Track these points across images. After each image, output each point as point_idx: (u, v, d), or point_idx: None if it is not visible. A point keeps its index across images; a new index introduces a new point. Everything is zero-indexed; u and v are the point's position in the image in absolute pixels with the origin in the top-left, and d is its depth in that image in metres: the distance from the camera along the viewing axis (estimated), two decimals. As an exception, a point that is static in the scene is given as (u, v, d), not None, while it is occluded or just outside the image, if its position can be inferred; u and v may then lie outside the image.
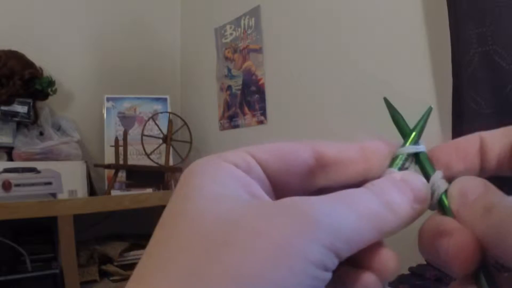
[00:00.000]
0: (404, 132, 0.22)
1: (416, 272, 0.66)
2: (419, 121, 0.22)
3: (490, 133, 0.21)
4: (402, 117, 0.23)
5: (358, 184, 0.20)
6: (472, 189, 0.19)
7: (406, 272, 0.69)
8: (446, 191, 0.20)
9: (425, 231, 0.19)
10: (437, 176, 0.20)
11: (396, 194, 0.19)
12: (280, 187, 0.20)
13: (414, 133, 0.21)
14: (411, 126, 0.22)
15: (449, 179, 0.20)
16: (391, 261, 0.19)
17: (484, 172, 0.21)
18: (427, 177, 0.20)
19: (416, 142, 0.21)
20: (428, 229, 0.19)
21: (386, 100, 0.23)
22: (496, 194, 0.18)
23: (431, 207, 0.20)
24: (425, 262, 0.66)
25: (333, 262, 0.16)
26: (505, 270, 0.17)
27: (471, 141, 0.21)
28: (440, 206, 0.20)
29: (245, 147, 0.20)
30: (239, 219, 0.16)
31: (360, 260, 0.19)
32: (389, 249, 0.19)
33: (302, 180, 0.21)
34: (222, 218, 0.16)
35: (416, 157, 0.21)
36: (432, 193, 0.20)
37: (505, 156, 0.20)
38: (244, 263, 0.14)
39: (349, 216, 0.17)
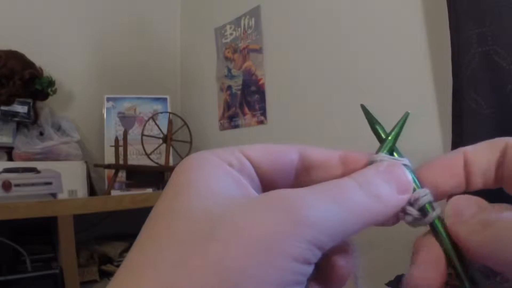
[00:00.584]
0: (380, 138, 0.22)
1: (416, 272, 0.66)
2: (395, 126, 0.22)
3: (473, 148, 0.21)
4: (379, 123, 0.23)
5: None
6: (466, 208, 0.19)
7: (406, 272, 0.69)
8: (431, 204, 0.20)
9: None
10: (423, 192, 0.20)
11: (381, 184, 0.19)
12: (269, 186, 0.21)
13: (389, 138, 0.22)
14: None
15: (438, 198, 0.21)
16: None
17: (470, 188, 0.21)
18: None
19: (391, 148, 0.21)
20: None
21: (363, 107, 0.23)
22: (490, 211, 0.19)
23: (414, 222, 0.20)
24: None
25: (316, 255, 0.16)
26: (493, 275, 0.18)
27: (455, 158, 0.21)
28: (431, 226, 0.20)
29: (237, 145, 0.21)
30: (225, 214, 0.16)
31: None
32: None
33: (289, 180, 0.21)
34: (209, 214, 0.16)
35: None
36: (416, 206, 0.20)
37: (490, 171, 0.21)
38: (227, 257, 0.15)
39: (333, 208, 0.17)
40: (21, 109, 1.26)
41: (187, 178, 0.18)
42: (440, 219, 0.20)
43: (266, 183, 0.21)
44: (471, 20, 0.76)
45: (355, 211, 0.17)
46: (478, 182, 0.21)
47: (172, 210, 0.17)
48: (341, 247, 0.20)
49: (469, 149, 0.21)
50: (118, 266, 1.26)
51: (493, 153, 0.20)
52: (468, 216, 0.19)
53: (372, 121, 0.23)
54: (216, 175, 0.18)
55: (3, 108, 1.23)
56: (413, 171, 0.21)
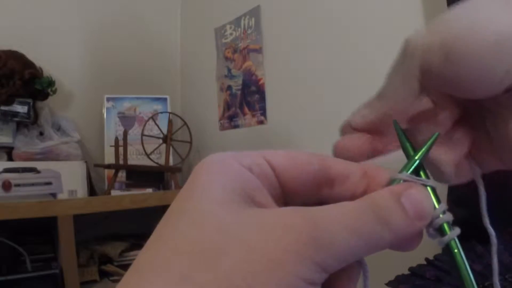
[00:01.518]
0: (408, 156, 0.22)
1: (416, 272, 0.66)
2: (423, 146, 0.21)
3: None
4: (410, 142, 0.22)
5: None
6: None
7: (406, 272, 0.69)
8: (449, 224, 0.20)
9: None
10: (441, 209, 0.20)
11: (395, 209, 0.18)
12: (290, 193, 0.21)
13: (415, 158, 0.21)
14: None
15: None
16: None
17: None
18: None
19: (415, 167, 0.21)
20: None
21: (395, 124, 0.22)
22: None
23: (431, 236, 0.20)
24: (425, 262, 0.66)
25: (322, 277, 0.16)
26: None
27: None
28: (447, 247, 0.20)
29: (261, 150, 0.20)
30: (237, 229, 0.16)
31: None
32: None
33: (311, 189, 0.21)
34: (222, 224, 0.16)
35: None
36: (433, 224, 0.20)
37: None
38: (237, 274, 0.15)
39: (343, 233, 0.17)
40: (21, 109, 1.26)
41: (204, 181, 0.18)
42: (457, 241, 0.19)
43: (288, 190, 0.21)
44: (471, 20, 0.76)
45: (364, 236, 0.17)
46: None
47: (185, 213, 0.17)
48: (348, 266, 0.19)
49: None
50: (118, 266, 1.27)
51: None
52: None
53: (403, 139, 0.22)
54: (234, 181, 0.18)
55: (3, 108, 1.23)
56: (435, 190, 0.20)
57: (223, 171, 0.18)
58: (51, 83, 1.34)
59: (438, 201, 0.20)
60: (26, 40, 1.38)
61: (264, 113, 1.38)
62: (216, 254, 0.15)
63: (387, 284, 0.64)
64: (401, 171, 0.20)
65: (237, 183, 0.18)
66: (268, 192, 0.19)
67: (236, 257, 0.15)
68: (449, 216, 0.20)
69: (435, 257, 0.64)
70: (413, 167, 0.20)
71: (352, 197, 0.20)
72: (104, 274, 1.24)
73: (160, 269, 0.15)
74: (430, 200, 0.19)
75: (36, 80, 1.30)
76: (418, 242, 0.20)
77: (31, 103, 1.29)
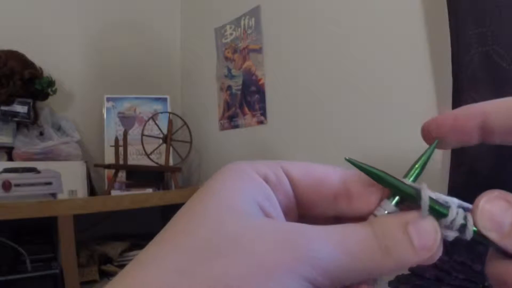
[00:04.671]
0: (374, 177, 0.20)
1: (416, 272, 0.66)
2: (422, 155, 0.21)
3: (494, 108, 0.19)
4: (376, 170, 0.20)
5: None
6: (503, 215, 0.18)
7: (406, 272, 0.69)
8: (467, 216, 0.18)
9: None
10: (452, 215, 0.18)
11: (400, 241, 0.18)
12: (305, 204, 0.21)
13: (416, 167, 0.20)
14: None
15: (440, 147, 0.20)
16: None
17: (483, 143, 0.20)
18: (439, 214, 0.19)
19: (418, 175, 0.20)
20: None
21: (350, 161, 0.21)
22: None
23: (449, 238, 0.19)
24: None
25: None
26: None
27: (471, 117, 0.20)
28: (474, 239, 0.18)
29: (281, 160, 0.21)
30: (240, 237, 0.17)
31: None
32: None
33: (327, 202, 0.21)
34: (221, 229, 0.17)
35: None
36: (451, 227, 0.18)
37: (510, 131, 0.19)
38: (233, 276, 0.16)
39: (339, 255, 0.17)
40: (21, 109, 1.26)
41: (217, 187, 0.19)
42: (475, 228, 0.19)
43: (303, 202, 0.21)
44: (471, 20, 0.76)
45: (363, 262, 0.17)
46: (494, 140, 0.20)
47: (193, 214, 0.18)
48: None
49: (489, 107, 0.20)
50: (118, 266, 1.27)
51: None
52: (509, 226, 0.18)
53: (364, 168, 0.21)
54: (246, 189, 0.19)
55: (3, 108, 1.23)
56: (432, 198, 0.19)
57: (236, 179, 0.19)
58: (51, 83, 1.34)
59: (444, 207, 0.19)
60: (26, 40, 1.38)
61: (264, 113, 1.38)
62: (213, 254, 0.16)
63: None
64: (404, 177, 0.20)
65: (248, 191, 0.19)
66: (281, 202, 0.20)
67: (233, 259, 0.16)
68: (462, 213, 0.19)
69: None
70: (414, 175, 0.20)
71: (369, 214, 0.20)
72: (104, 274, 1.24)
73: (158, 263, 0.16)
74: (438, 231, 0.18)
75: (36, 80, 1.30)
76: (435, 259, 0.19)
77: (31, 103, 1.29)
